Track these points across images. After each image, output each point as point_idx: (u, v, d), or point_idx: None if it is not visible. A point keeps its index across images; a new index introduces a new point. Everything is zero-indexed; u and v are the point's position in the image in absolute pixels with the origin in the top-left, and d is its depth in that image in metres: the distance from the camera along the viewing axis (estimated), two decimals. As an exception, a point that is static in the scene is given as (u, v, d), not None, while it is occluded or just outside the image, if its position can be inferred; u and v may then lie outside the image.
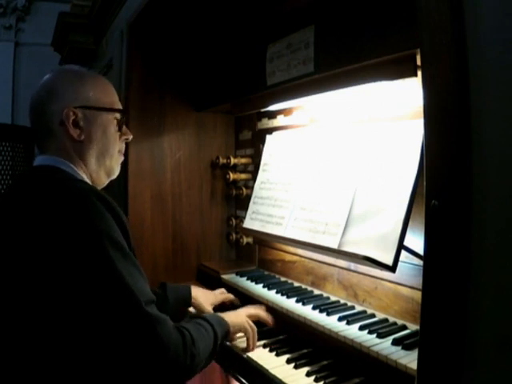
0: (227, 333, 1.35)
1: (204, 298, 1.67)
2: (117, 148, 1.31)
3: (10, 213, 1.11)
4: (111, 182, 1.37)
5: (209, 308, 1.66)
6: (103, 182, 1.33)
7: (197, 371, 1.13)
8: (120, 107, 1.32)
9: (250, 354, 1.39)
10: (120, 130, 1.31)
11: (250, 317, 1.47)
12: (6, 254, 1.07)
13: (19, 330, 1.02)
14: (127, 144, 1.39)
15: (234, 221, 2.21)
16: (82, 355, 1.01)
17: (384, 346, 1.21)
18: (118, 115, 1.30)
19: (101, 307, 0.99)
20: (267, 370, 1.28)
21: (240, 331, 1.42)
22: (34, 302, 1.01)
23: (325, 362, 1.32)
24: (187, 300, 1.63)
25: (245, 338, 1.43)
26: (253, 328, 1.44)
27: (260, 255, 2.11)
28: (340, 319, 1.40)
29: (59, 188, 1.08)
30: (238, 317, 1.44)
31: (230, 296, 1.76)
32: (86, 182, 1.19)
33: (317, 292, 1.70)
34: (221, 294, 1.76)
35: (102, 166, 1.28)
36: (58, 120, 1.20)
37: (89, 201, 1.05)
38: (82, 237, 1.01)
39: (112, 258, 1.01)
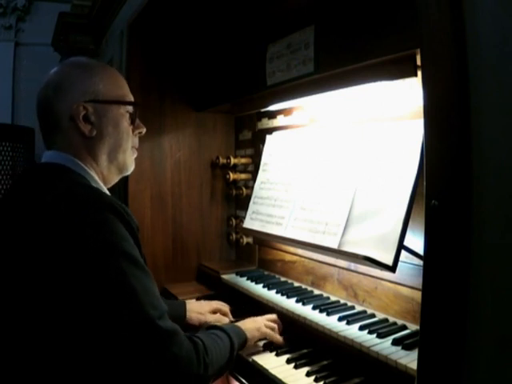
0: (245, 340, 1.34)
1: (199, 307, 1.64)
2: (130, 143, 1.26)
3: (15, 217, 1.05)
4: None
5: (208, 316, 1.62)
6: (115, 178, 1.28)
7: (211, 379, 1.12)
8: (132, 99, 1.27)
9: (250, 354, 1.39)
10: (133, 123, 1.26)
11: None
12: (9, 265, 1.02)
13: (24, 346, 0.98)
14: None
15: (233, 221, 2.21)
16: (93, 371, 0.98)
17: (384, 346, 1.21)
18: (130, 108, 1.25)
19: (114, 325, 0.97)
20: (267, 370, 1.28)
21: (260, 337, 1.41)
22: (41, 319, 0.97)
23: (325, 362, 1.32)
24: (182, 318, 1.58)
25: None
26: (271, 327, 1.44)
27: (260, 255, 2.11)
28: (340, 319, 1.40)
29: (69, 196, 1.01)
30: (256, 322, 1.43)
31: (225, 307, 1.69)
32: (97, 189, 1.10)
33: (317, 292, 1.70)
34: (216, 304, 1.69)
35: (114, 162, 1.23)
36: (67, 116, 1.15)
37: (101, 212, 1.00)
38: (94, 251, 0.97)
39: (126, 272, 0.98)
